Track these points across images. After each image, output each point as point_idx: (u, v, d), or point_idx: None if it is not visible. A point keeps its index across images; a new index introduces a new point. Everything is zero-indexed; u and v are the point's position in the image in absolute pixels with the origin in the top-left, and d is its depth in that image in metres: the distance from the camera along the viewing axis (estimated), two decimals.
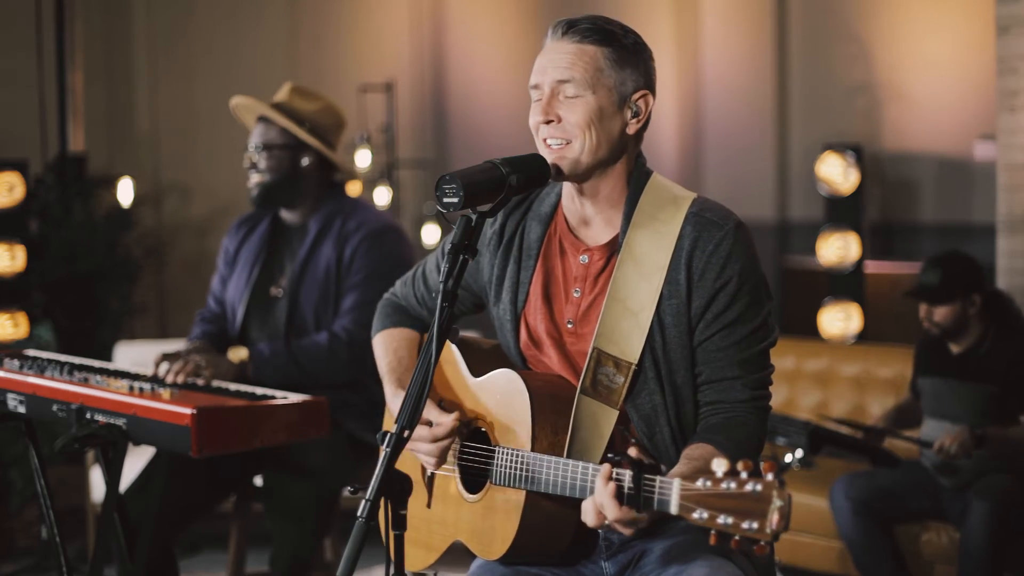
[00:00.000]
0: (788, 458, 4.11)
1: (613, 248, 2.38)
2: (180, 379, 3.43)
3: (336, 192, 3.90)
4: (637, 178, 2.39)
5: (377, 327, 2.75)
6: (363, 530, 2.08)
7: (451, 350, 2.55)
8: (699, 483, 1.94)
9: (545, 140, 2.33)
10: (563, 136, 2.31)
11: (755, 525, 1.88)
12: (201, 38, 7.50)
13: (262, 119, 3.84)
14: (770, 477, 1.89)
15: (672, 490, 1.99)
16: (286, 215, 3.92)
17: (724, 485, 1.92)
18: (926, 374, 4.49)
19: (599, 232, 2.41)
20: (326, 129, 3.85)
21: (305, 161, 3.81)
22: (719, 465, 1.93)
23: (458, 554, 2.49)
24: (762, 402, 2.34)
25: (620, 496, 2.06)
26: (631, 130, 2.36)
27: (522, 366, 2.48)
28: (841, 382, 5.37)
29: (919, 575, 4.47)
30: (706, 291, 2.30)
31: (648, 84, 2.37)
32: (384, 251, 3.78)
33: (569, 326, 2.40)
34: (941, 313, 4.35)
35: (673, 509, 1.98)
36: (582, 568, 2.41)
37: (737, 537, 1.90)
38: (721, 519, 1.91)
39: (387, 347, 2.69)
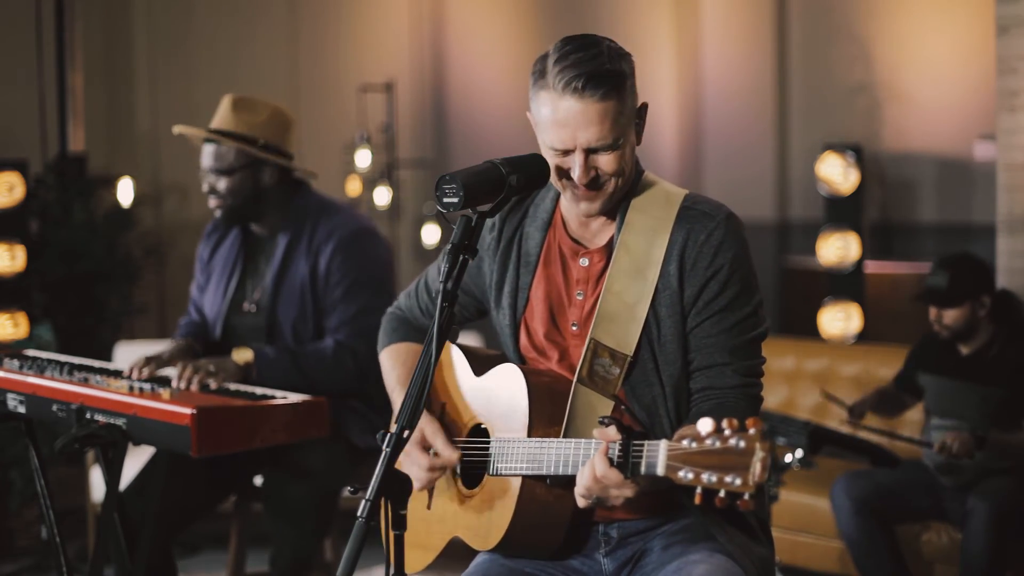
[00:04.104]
0: (788, 458, 4.11)
1: (611, 248, 2.40)
2: (194, 387, 3.40)
3: (302, 195, 3.79)
4: (633, 178, 2.41)
5: (383, 342, 2.76)
6: (363, 530, 2.09)
7: (454, 353, 2.56)
8: (684, 443, 1.98)
9: (581, 186, 2.33)
10: (599, 182, 2.33)
11: (738, 480, 1.91)
12: (201, 38, 7.50)
13: (211, 140, 3.71)
14: (752, 431, 1.92)
15: (659, 451, 2.02)
16: (255, 226, 3.84)
17: (709, 442, 1.95)
18: (932, 373, 4.49)
19: (596, 234, 2.44)
20: (278, 138, 3.74)
21: (266, 177, 3.72)
22: (704, 425, 1.96)
23: (457, 554, 2.49)
24: (752, 390, 2.36)
25: (612, 464, 2.10)
26: (639, 142, 2.40)
27: None
28: (841, 382, 5.37)
29: (919, 575, 4.47)
30: (698, 279, 2.33)
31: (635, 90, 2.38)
32: (360, 257, 3.72)
33: (574, 328, 2.42)
34: (951, 316, 4.35)
35: (660, 470, 2.01)
36: (579, 565, 2.42)
37: (722, 494, 1.92)
38: (705, 476, 1.94)
39: (395, 361, 2.69)
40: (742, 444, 1.91)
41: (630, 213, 2.38)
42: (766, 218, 6.94)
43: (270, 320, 3.72)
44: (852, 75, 6.61)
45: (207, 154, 3.72)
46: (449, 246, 2.26)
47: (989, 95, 5.58)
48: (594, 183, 2.33)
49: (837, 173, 6.01)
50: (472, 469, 2.45)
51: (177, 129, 3.82)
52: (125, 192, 6.77)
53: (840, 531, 4.47)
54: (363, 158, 7.30)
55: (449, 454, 2.44)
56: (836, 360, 5.46)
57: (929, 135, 6.37)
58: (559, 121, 2.31)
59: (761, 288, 2.44)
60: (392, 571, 2.17)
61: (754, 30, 6.96)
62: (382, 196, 7.38)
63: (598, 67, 2.29)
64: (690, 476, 1.95)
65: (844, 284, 6.04)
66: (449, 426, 2.52)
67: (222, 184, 3.70)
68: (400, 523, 2.16)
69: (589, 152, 2.31)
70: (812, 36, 6.84)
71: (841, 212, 6.04)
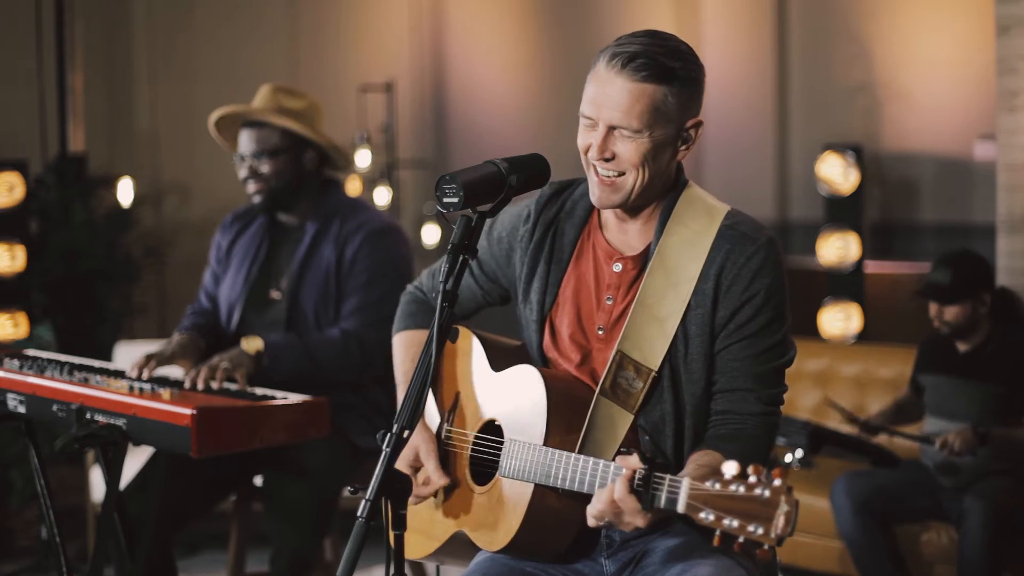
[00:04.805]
0: (788, 458, 4.11)
1: (647, 257, 2.39)
2: (215, 385, 3.40)
3: (332, 191, 3.87)
4: (674, 189, 2.40)
5: (399, 325, 2.74)
6: (363, 530, 2.09)
7: (473, 344, 2.55)
8: (708, 484, 1.96)
9: (596, 168, 2.33)
10: (617, 169, 2.32)
11: (760, 529, 1.90)
12: (201, 38, 7.50)
13: (253, 124, 3.77)
14: (778, 483, 1.91)
15: (681, 489, 2.01)
16: (283, 215, 3.89)
17: (733, 487, 1.94)
18: (931, 372, 4.49)
19: (634, 240, 2.42)
20: (319, 124, 3.83)
21: (307, 161, 3.79)
22: (729, 468, 1.95)
23: (459, 546, 2.49)
24: (772, 418, 2.36)
25: (631, 489, 2.09)
26: (680, 157, 2.37)
27: (543, 365, 2.48)
28: (841, 382, 5.37)
29: (919, 575, 4.47)
30: (732, 302, 2.32)
31: (699, 109, 2.36)
32: (385, 252, 3.77)
33: (600, 332, 2.41)
34: (952, 312, 4.35)
35: (681, 508, 2.00)
36: (580, 566, 2.42)
37: (741, 540, 1.91)
38: (727, 521, 1.93)
39: (407, 351, 2.68)
40: (767, 494, 1.90)
41: (670, 223, 2.36)
42: (766, 218, 6.93)
43: (292, 306, 3.74)
44: (852, 75, 6.61)
45: (248, 139, 3.76)
46: (450, 246, 2.26)
47: (989, 95, 5.57)
48: (612, 165, 2.30)
49: (837, 173, 6.01)
50: (482, 466, 2.45)
51: (221, 111, 3.82)
52: (125, 192, 6.77)
53: (840, 531, 4.47)
54: (363, 158, 7.29)
55: (438, 479, 2.44)
56: (836, 360, 5.46)
57: (929, 135, 6.37)
58: (593, 90, 2.31)
59: None
60: (392, 570, 2.17)
61: (754, 30, 6.95)
62: (382, 196, 7.37)
63: (648, 52, 2.28)
64: (711, 518, 1.94)
65: (844, 284, 6.04)
66: (462, 416, 2.52)
67: (265, 167, 3.73)
68: (400, 523, 2.16)
69: (612, 130, 2.30)
70: (812, 36, 6.83)
71: (841, 212, 6.04)
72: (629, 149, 2.30)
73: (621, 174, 2.32)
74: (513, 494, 2.35)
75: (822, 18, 6.80)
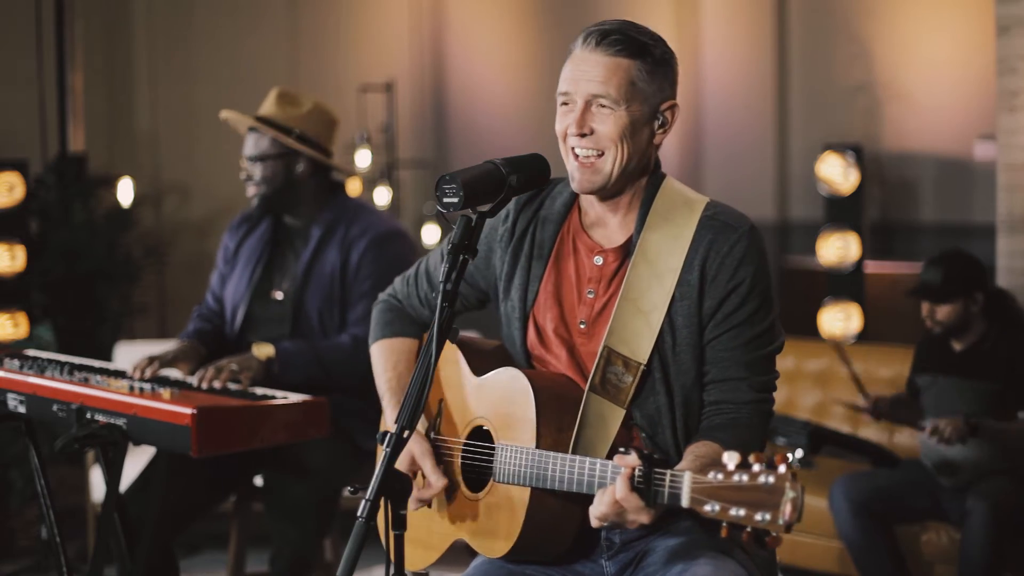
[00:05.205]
0: (788, 458, 4.10)
1: (627, 250, 2.39)
2: (217, 385, 3.42)
3: (337, 194, 3.88)
4: (652, 181, 2.41)
5: (376, 334, 2.72)
6: (363, 530, 2.09)
7: (452, 350, 2.54)
8: (710, 476, 1.96)
9: (574, 149, 2.34)
10: (595, 147, 2.33)
11: (768, 516, 1.89)
12: (201, 38, 7.50)
13: (252, 129, 3.82)
14: (782, 469, 1.91)
15: (683, 483, 2.01)
16: (288, 218, 3.91)
17: (736, 477, 1.93)
18: (928, 371, 4.49)
19: (614, 233, 2.43)
20: (316, 132, 3.82)
21: (300, 168, 3.78)
22: (730, 458, 1.95)
23: (457, 553, 2.49)
24: (765, 405, 2.36)
25: (632, 487, 2.08)
26: (657, 140, 2.39)
27: (527, 365, 2.47)
28: (841, 382, 5.37)
29: (919, 575, 4.47)
30: (718, 292, 2.32)
31: (674, 93, 2.39)
32: (391, 257, 3.77)
33: (582, 327, 2.41)
34: (943, 311, 4.36)
35: (684, 502, 2.00)
36: (581, 568, 2.42)
37: (749, 529, 1.91)
38: (733, 511, 1.92)
39: (387, 361, 2.66)
40: (771, 481, 1.90)
41: (650, 216, 2.37)
42: (766, 218, 6.93)
43: (296, 308, 3.76)
44: (852, 75, 6.61)
45: (248, 142, 3.82)
46: (449, 245, 2.26)
47: (989, 95, 5.57)
48: (590, 143, 2.32)
49: (837, 173, 6.01)
50: (474, 472, 2.44)
51: (224, 114, 3.89)
52: (125, 192, 6.77)
53: (839, 533, 4.47)
54: (363, 158, 7.30)
55: (436, 481, 2.43)
56: (836, 360, 5.45)
57: (929, 135, 6.36)
58: (569, 69, 2.34)
59: None
60: (392, 571, 2.17)
61: (754, 30, 6.95)
62: (382, 196, 7.37)
63: (622, 29, 2.33)
64: (717, 509, 1.94)
65: (844, 284, 6.04)
66: (448, 423, 2.52)
67: (257, 171, 3.78)
68: (400, 523, 2.16)
69: (589, 105, 2.31)
70: (812, 36, 6.83)
71: (841, 212, 6.04)
72: (608, 124, 2.31)
73: (600, 154, 2.33)
74: (510, 499, 2.34)
75: (822, 18, 6.80)
